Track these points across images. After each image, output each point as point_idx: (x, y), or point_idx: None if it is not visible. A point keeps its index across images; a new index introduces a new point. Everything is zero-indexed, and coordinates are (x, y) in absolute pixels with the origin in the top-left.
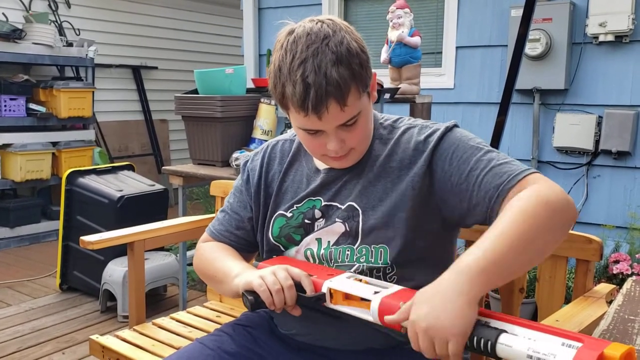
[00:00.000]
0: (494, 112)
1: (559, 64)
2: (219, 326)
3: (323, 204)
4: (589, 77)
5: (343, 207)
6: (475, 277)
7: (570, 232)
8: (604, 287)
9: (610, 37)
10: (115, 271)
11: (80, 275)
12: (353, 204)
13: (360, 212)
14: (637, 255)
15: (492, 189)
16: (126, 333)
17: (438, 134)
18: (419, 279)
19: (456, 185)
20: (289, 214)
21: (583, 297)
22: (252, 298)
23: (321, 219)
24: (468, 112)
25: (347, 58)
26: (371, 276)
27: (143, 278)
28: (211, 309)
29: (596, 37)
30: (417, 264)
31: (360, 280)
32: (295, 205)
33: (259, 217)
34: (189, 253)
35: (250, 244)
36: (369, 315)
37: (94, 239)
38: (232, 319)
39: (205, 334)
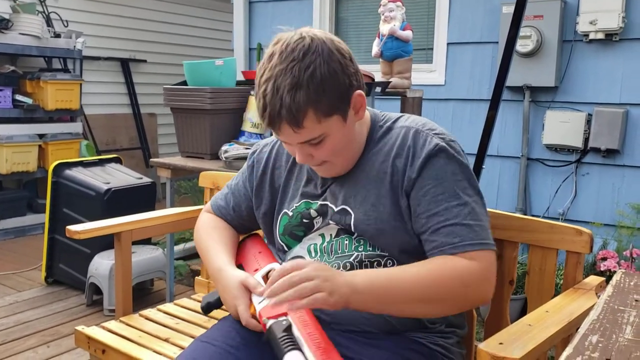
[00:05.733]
0: (484, 108)
1: (549, 61)
2: (205, 319)
3: (319, 203)
4: (579, 75)
5: (336, 209)
6: (354, 294)
7: (561, 224)
8: (594, 280)
9: (600, 35)
10: (102, 264)
11: (66, 269)
12: (346, 207)
13: (352, 216)
14: (624, 253)
15: (440, 244)
16: (112, 324)
17: (427, 152)
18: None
19: (418, 215)
20: (290, 213)
21: (573, 289)
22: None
23: (318, 217)
24: (458, 108)
25: (307, 84)
26: (371, 265)
27: (130, 269)
28: (198, 301)
29: (587, 35)
30: (414, 256)
31: None
32: (294, 205)
33: (267, 211)
34: (176, 247)
35: (244, 227)
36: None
37: (80, 229)
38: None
39: (194, 325)
